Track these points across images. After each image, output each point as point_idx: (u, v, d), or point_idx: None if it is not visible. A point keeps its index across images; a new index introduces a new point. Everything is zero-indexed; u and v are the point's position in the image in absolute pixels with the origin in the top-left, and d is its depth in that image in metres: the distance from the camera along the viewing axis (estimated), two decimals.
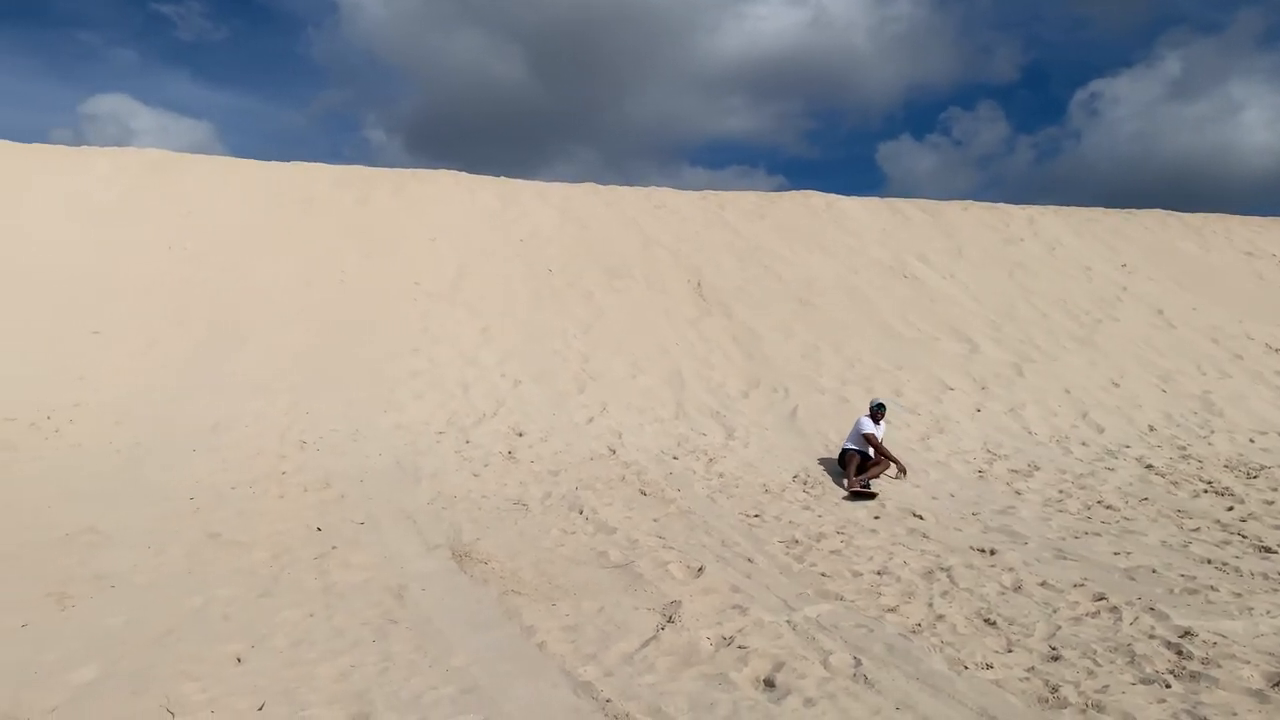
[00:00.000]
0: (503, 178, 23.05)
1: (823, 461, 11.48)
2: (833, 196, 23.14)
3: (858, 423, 11.25)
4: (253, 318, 15.44)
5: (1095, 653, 5.94)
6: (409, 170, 22.86)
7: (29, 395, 12.26)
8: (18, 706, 5.12)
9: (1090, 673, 5.64)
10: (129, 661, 5.74)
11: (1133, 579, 7.53)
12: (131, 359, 13.76)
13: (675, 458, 11.60)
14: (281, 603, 6.86)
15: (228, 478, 10.26)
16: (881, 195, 23.95)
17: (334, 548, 8.18)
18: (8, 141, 20.56)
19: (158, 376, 13.33)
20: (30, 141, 20.94)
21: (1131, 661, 5.81)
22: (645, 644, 6.10)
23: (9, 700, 5.17)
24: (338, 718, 5.09)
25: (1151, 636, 6.24)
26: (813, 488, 10.63)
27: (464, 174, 22.87)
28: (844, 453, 11.02)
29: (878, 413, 11.33)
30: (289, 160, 22.22)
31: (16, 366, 13.05)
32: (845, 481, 10.57)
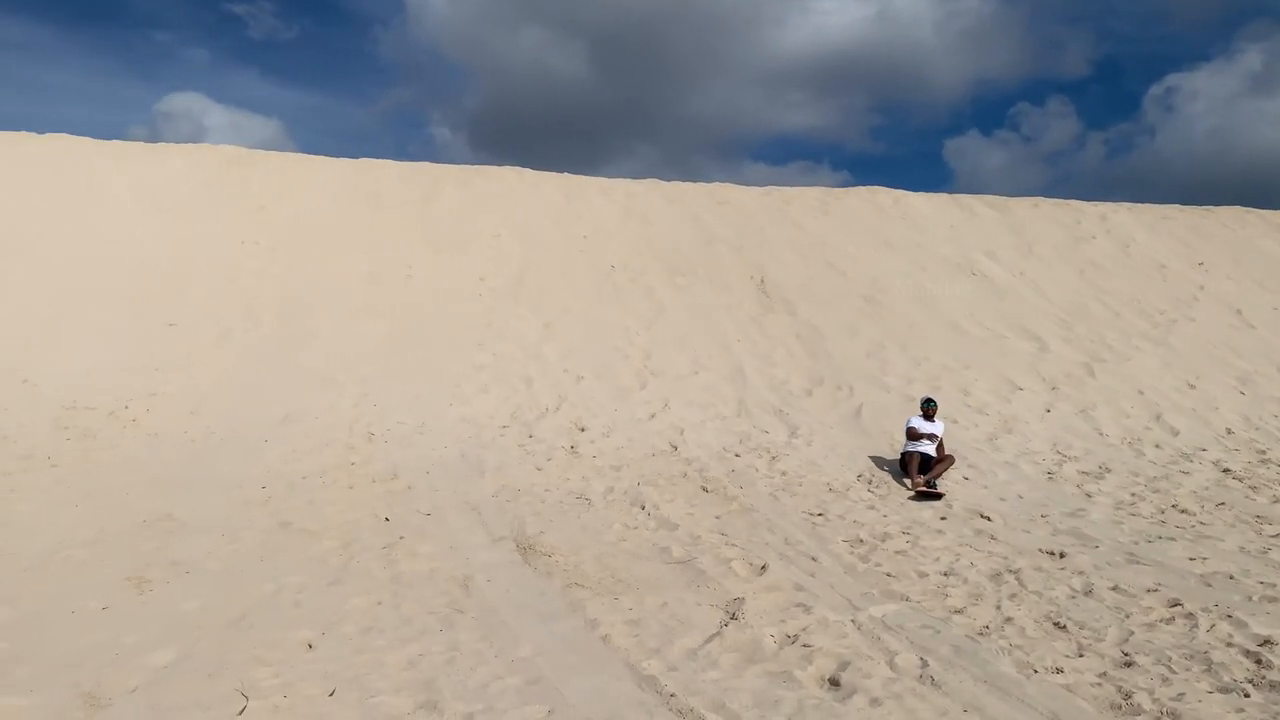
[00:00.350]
0: (566, 174, 23.16)
1: (888, 461, 11.36)
2: (899, 192, 22.85)
3: (907, 422, 11.15)
4: (323, 311, 15.72)
5: (1170, 660, 5.81)
6: (474, 167, 23.09)
7: (108, 385, 12.64)
8: (100, 686, 5.28)
9: (1165, 680, 5.52)
10: (204, 645, 5.89)
11: (1209, 585, 7.34)
12: (206, 351, 14.10)
13: (737, 455, 11.57)
14: (351, 591, 6.99)
15: (298, 468, 10.47)
16: (949, 192, 23.52)
17: (401, 538, 8.31)
18: (88, 139, 21.17)
19: (231, 368, 13.65)
20: (107, 138, 21.56)
21: (1208, 669, 5.67)
22: (708, 640, 6.10)
23: (92, 680, 5.34)
24: (405, 705, 5.16)
25: (1229, 644, 6.08)
26: (878, 487, 10.53)
27: (528, 170, 23.02)
28: (903, 455, 10.90)
29: (928, 408, 11.19)
30: (357, 157, 22.60)
31: (96, 357, 13.45)
32: (909, 482, 10.45)
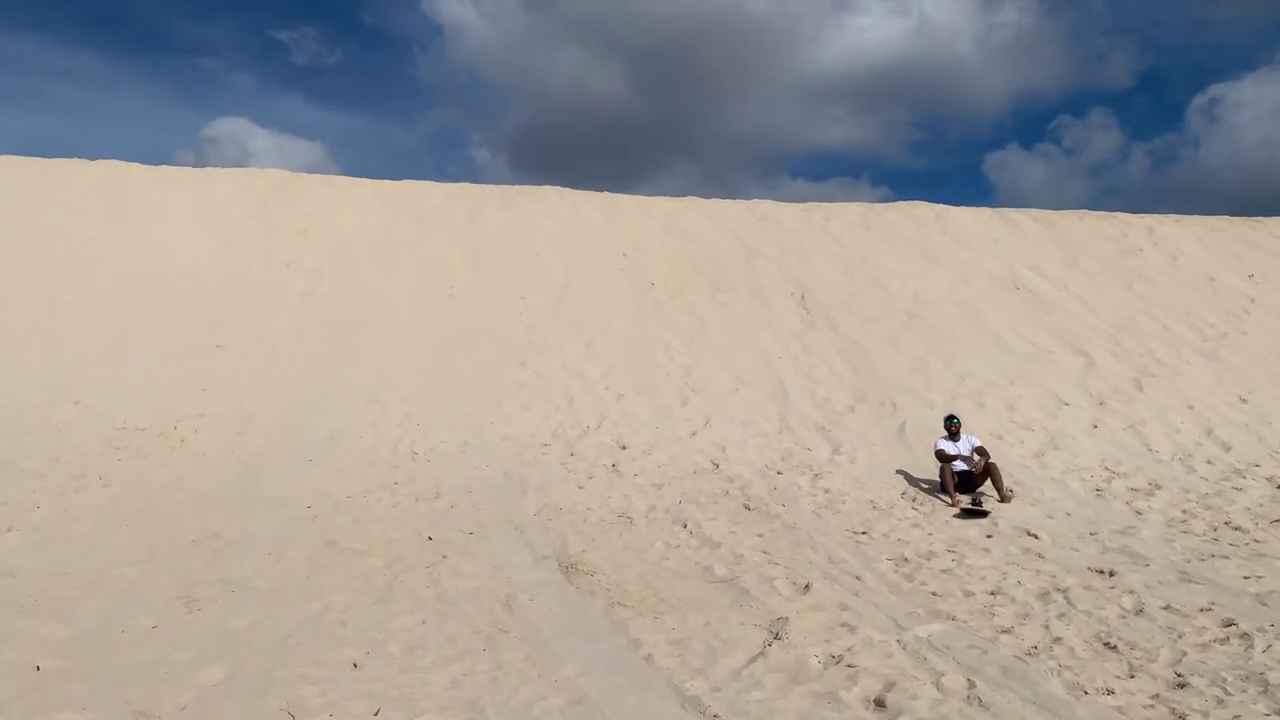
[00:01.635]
0: (606, 192, 23.26)
1: (932, 478, 11.24)
2: (942, 207, 22.67)
3: (934, 445, 11.02)
4: (367, 331, 15.91)
5: (1225, 681, 5.68)
6: (515, 186, 23.27)
7: (157, 406, 12.87)
8: (151, 704, 5.36)
9: (1220, 702, 5.39)
10: (252, 664, 5.96)
11: (1265, 604, 7.17)
12: (252, 371, 14.31)
13: (780, 472, 11.52)
14: (395, 609, 7.04)
15: (343, 487, 10.58)
16: (990, 206, 23.26)
17: (445, 557, 8.36)
18: (138, 164, 21.63)
19: (277, 388, 13.84)
20: (155, 163, 22.03)
21: (1265, 691, 5.53)
22: (752, 660, 6.07)
23: (144, 698, 5.43)
24: None
25: None
26: (922, 505, 10.42)
27: (568, 189, 23.15)
28: (941, 475, 10.77)
29: (951, 426, 11.05)
30: (399, 179, 22.87)
31: (146, 379, 13.71)
32: (950, 500, 10.34)
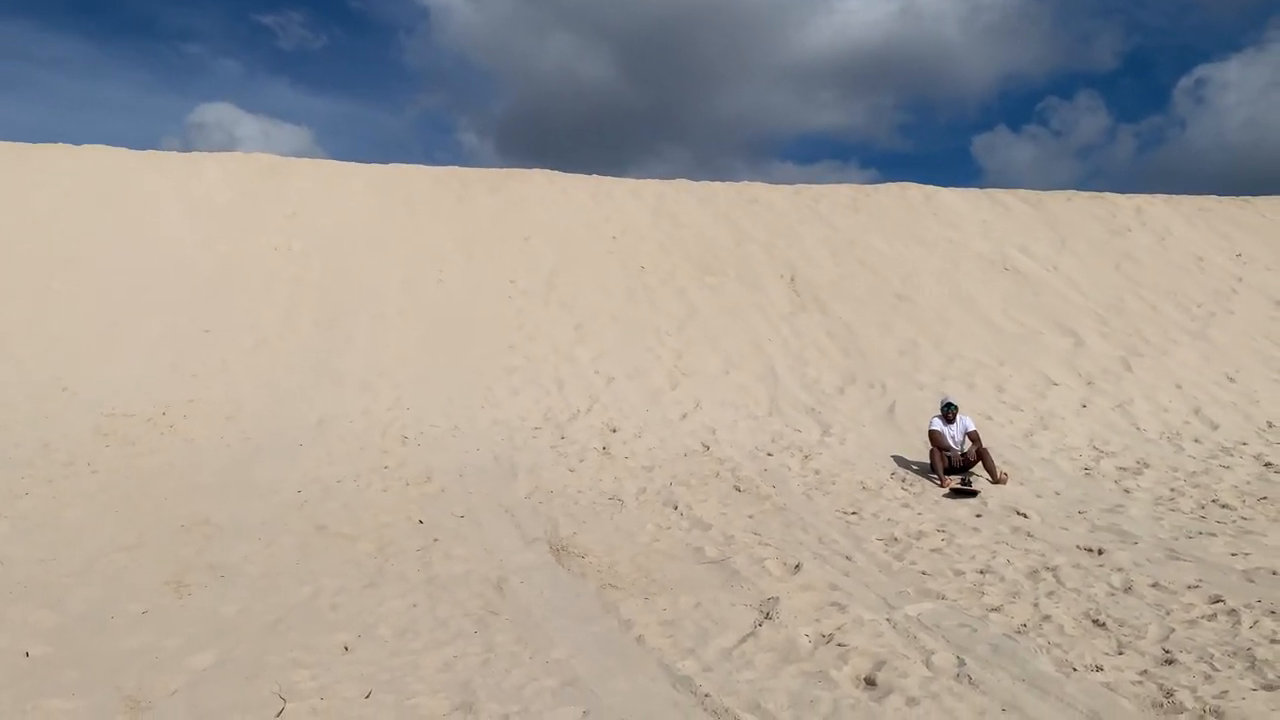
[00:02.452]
0: (596, 176, 23.16)
1: (921, 459, 11.27)
2: (931, 188, 22.65)
3: (930, 425, 11.02)
4: (356, 316, 15.85)
5: (1212, 657, 5.72)
6: (504, 170, 23.16)
7: (146, 392, 12.82)
8: (142, 689, 5.35)
9: (1207, 677, 5.43)
10: (243, 648, 5.95)
11: (1252, 581, 7.22)
12: (241, 357, 14.25)
13: (770, 454, 11.54)
14: (386, 593, 7.04)
15: (334, 472, 10.56)
16: (980, 187, 23.24)
17: (436, 540, 8.36)
18: (125, 149, 21.44)
19: (266, 373, 13.79)
20: (141, 149, 21.81)
21: (1252, 666, 5.57)
22: (743, 640, 6.09)
23: (134, 683, 5.42)
24: (442, 707, 5.19)
25: (1274, 641, 5.96)
26: (911, 485, 10.46)
27: (558, 173, 23.05)
28: (931, 456, 10.79)
29: (948, 413, 11.03)
30: (387, 163, 22.73)
31: (135, 364, 13.65)
32: (939, 480, 10.36)
